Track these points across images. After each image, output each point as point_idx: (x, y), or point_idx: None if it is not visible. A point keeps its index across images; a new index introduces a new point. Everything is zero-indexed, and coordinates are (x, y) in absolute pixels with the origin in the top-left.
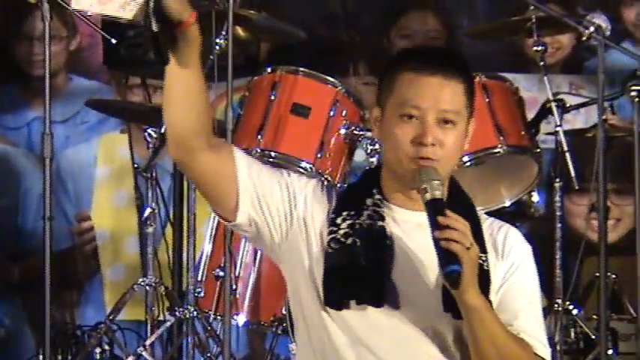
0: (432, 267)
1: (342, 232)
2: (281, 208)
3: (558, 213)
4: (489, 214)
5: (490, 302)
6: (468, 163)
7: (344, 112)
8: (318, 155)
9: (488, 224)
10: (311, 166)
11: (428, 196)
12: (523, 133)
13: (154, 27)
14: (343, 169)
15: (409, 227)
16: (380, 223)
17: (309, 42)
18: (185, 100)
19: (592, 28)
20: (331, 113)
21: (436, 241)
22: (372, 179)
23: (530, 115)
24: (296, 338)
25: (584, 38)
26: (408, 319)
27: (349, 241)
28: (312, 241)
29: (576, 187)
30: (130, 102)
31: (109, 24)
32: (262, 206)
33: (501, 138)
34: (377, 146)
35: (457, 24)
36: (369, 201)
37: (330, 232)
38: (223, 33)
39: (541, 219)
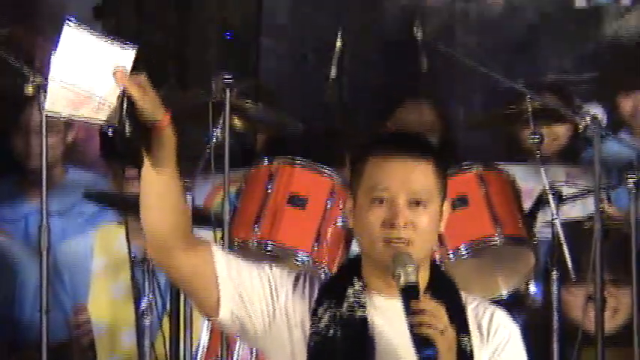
0: (413, 353)
1: (323, 323)
2: (263, 302)
3: (555, 303)
4: None
5: None
6: (465, 254)
7: (341, 203)
8: (315, 246)
9: (474, 307)
10: (308, 256)
11: (402, 282)
12: (520, 223)
13: (128, 129)
14: (340, 259)
15: (390, 314)
16: (361, 312)
17: (306, 131)
18: (161, 201)
19: (588, 119)
20: (328, 204)
21: (411, 327)
22: (353, 268)
23: (527, 205)
24: None
25: (580, 129)
26: None
27: (330, 332)
28: (294, 332)
29: (573, 278)
30: (126, 193)
31: None
32: (244, 302)
33: (498, 228)
34: None
35: (453, 115)
36: (349, 290)
37: (312, 323)
38: (220, 123)
39: (538, 309)
